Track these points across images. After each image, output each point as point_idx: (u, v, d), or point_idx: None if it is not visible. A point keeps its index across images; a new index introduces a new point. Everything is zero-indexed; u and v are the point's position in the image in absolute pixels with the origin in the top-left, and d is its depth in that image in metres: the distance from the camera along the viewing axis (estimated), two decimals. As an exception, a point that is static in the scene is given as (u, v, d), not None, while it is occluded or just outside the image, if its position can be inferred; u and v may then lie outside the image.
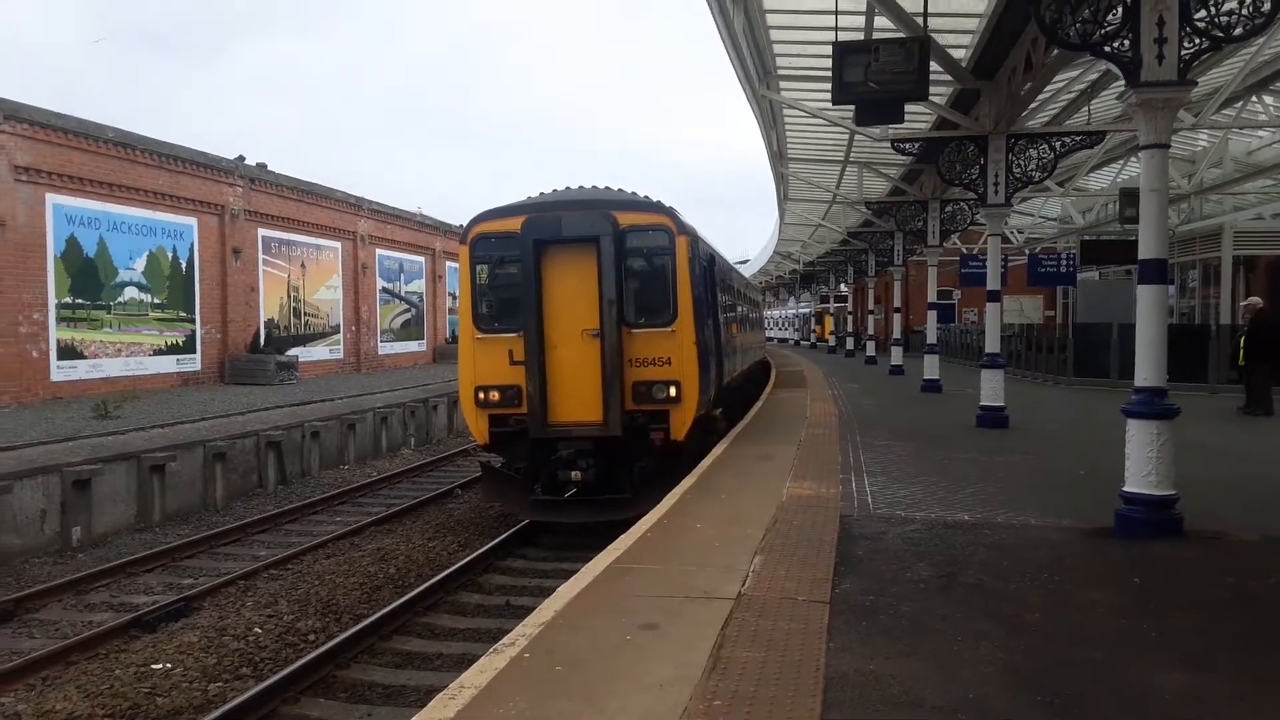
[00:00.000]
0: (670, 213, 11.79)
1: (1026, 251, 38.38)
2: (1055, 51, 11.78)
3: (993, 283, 15.08)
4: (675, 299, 11.44)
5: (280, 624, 8.78)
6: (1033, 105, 14.90)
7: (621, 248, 11.17)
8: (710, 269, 13.50)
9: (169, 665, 7.75)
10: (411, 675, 7.58)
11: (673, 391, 11.26)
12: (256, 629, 8.65)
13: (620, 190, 12.61)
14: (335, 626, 8.70)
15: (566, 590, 5.69)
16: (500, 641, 4.80)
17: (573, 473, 11.24)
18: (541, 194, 12.35)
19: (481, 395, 11.55)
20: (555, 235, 11.20)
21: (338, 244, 33.82)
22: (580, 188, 12.70)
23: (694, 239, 11.96)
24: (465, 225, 12.19)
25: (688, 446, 11.52)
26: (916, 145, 16.82)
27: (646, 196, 12.40)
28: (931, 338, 22.61)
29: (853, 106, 10.82)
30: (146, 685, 7.30)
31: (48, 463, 12.50)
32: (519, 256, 11.27)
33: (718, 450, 11.78)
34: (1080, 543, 7.20)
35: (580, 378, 11.17)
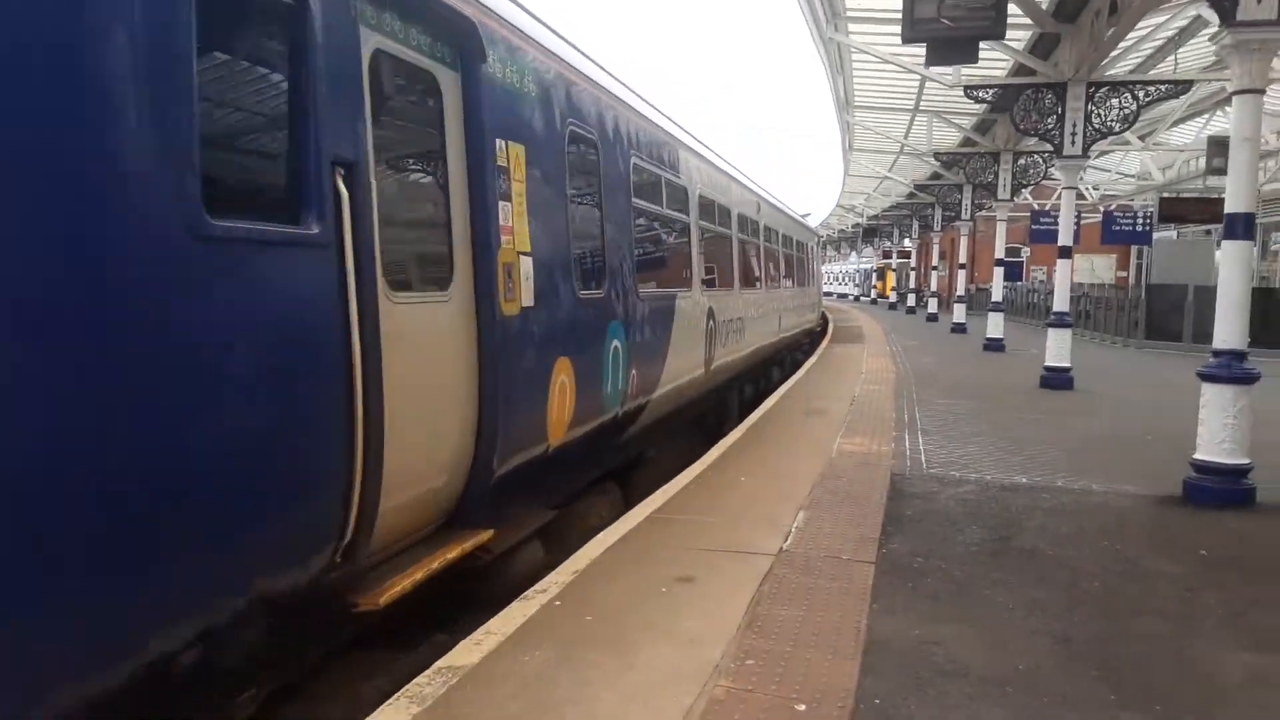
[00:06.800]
0: None
1: (1100, 208, 36.95)
2: (1145, -9, 11.10)
3: (1065, 238, 14.46)
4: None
5: None
6: (1115, 52, 14.14)
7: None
8: (609, 140, 6.98)
9: None
10: None
11: None
12: None
13: None
14: None
15: (604, 538, 5.54)
16: (532, 588, 4.68)
17: None
18: None
19: None
20: None
21: None
22: None
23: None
24: None
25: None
26: (990, 93, 16.04)
27: None
28: (997, 295, 21.94)
29: (924, 46, 10.27)
30: None
31: None
32: None
33: (767, 404, 11.53)
34: (1145, 510, 6.84)
35: None
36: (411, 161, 4.72)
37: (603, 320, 6.67)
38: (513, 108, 5.29)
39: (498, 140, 4.96)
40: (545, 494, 6.03)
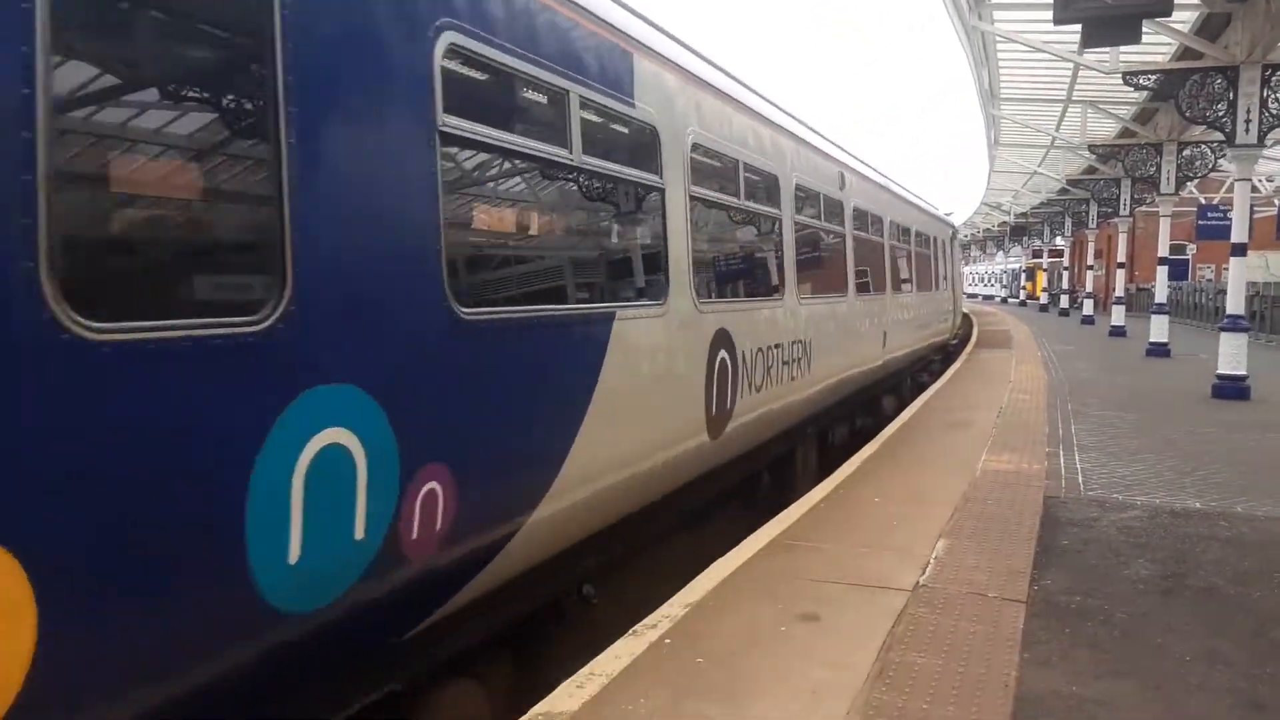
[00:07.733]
0: None
1: (1276, 201, 34.14)
2: (1333, -41, 9.97)
3: (1239, 234, 13.21)
4: None
5: None
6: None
7: None
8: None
9: None
10: None
11: None
12: None
13: None
14: None
15: (721, 567, 5.18)
16: (641, 623, 4.36)
17: None
18: None
19: None
20: None
21: None
22: None
23: None
24: None
25: None
26: (1152, 79, 14.87)
27: None
28: (1161, 296, 20.41)
29: (1078, 28, 9.44)
30: None
31: None
32: None
33: (905, 414, 10.89)
34: (1346, 544, 6.00)
35: None
36: None
37: (247, 400, 2.75)
38: None
39: None
40: None
